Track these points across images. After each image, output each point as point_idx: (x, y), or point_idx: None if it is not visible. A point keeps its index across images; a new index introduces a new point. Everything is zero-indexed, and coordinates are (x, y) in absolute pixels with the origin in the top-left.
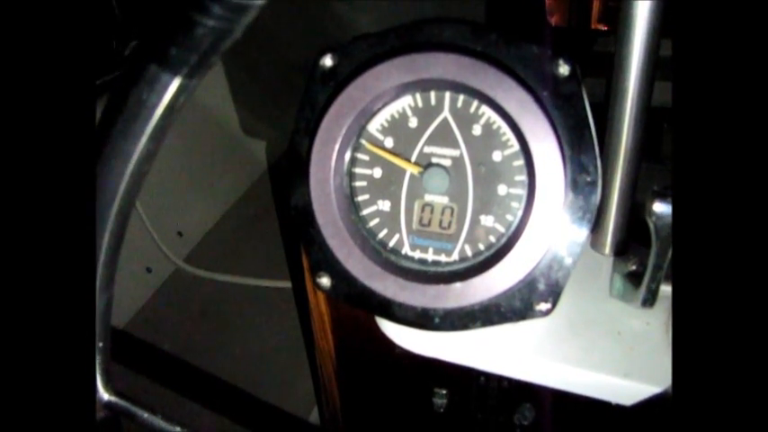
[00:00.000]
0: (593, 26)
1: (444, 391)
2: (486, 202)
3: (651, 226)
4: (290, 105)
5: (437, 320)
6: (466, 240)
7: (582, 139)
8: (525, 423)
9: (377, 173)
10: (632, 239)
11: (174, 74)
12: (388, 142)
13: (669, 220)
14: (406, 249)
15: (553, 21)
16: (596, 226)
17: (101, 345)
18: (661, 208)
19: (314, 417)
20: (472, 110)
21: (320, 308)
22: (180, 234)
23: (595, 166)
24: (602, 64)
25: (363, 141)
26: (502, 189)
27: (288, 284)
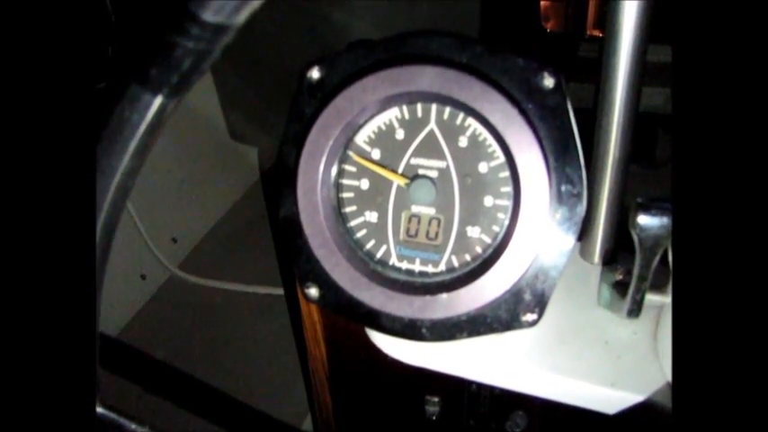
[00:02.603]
0: (588, 32)
1: (436, 399)
2: (473, 213)
3: (635, 238)
4: (284, 111)
5: (424, 331)
6: (453, 251)
7: (567, 150)
8: (517, 430)
9: (364, 184)
10: (623, 247)
11: (156, 93)
12: (375, 154)
13: (653, 231)
14: (393, 260)
15: (549, 26)
16: (585, 235)
17: None
18: (644, 220)
19: (307, 424)
20: (458, 122)
21: (312, 316)
22: (174, 240)
23: (580, 178)
24: (597, 70)
25: (350, 153)
26: (488, 200)
27: (281, 291)
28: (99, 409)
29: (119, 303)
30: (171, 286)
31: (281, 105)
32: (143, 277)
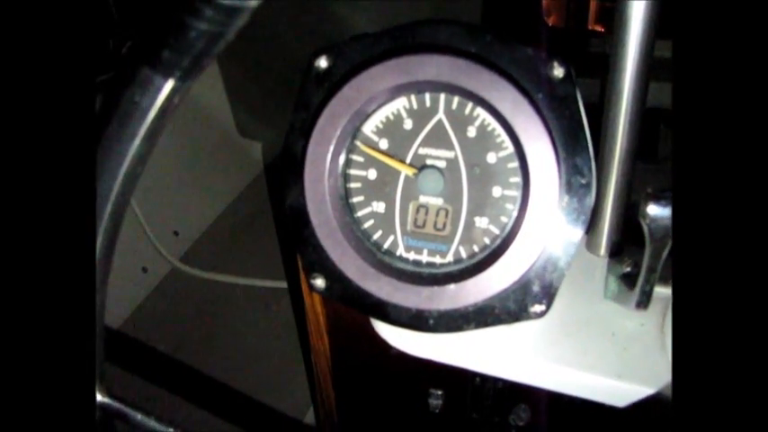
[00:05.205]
0: (590, 27)
1: (440, 392)
2: (481, 203)
3: (645, 228)
4: (287, 105)
5: (431, 322)
6: (460, 242)
7: (576, 141)
8: (521, 424)
9: (371, 174)
10: (628, 240)
11: (167, 76)
12: (383, 144)
13: (663, 222)
14: (400, 251)
15: (550, 21)
16: (591, 227)
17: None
18: (655, 210)
19: (309, 417)
20: (467, 111)
21: (315, 308)
22: (176, 233)
23: (590, 168)
24: (599, 65)
25: (358, 143)
26: (496, 191)
27: (284, 284)
28: (105, 399)
29: (120, 296)
30: (172, 279)
31: (285, 99)
32: (144, 270)
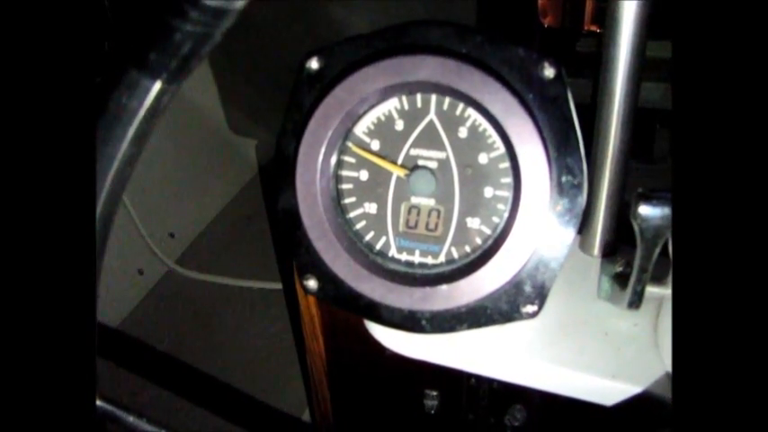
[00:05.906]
0: (585, 27)
1: (435, 393)
2: (473, 204)
3: (636, 228)
4: (282, 107)
5: (424, 323)
6: (452, 242)
7: (568, 141)
8: (516, 424)
9: (363, 175)
10: (623, 240)
11: (155, 78)
12: (375, 145)
13: (654, 222)
14: (392, 252)
15: (546, 22)
16: (585, 227)
17: None
18: (646, 210)
19: (306, 417)
20: (458, 112)
21: (310, 310)
22: (172, 235)
23: (581, 169)
24: (593, 65)
25: (350, 144)
26: (488, 191)
27: (279, 286)
28: (97, 402)
29: (116, 299)
30: (168, 281)
31: (281, 101)
32: (140, 272)
